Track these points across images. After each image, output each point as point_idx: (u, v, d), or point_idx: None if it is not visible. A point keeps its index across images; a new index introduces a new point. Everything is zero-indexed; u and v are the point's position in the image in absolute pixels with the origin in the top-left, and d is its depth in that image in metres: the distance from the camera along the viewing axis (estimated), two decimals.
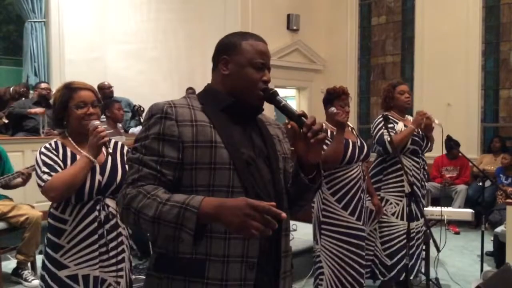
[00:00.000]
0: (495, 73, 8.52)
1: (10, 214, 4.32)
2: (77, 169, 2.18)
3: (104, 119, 5.58)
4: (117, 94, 7.18)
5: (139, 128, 6.51)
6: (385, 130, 3.62)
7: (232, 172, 1.45)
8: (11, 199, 4.52)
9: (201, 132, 1.46)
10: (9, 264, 4.73)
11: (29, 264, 4.51)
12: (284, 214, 1.25)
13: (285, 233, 1.56)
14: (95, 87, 6.97)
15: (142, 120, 5.02)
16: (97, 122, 2.26)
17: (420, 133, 3.88)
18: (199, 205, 1.30)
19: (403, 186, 3.73)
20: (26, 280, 4.40)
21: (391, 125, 3.76)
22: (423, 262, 3.93)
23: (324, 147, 3.21)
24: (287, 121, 1.57)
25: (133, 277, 2.67)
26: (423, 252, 3.92)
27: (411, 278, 3.82)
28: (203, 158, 1.44)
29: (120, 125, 5.60)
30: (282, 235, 1.52)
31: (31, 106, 6.17)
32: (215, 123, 1.49)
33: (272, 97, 1.54)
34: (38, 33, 7.78)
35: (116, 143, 2.44)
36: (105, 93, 6.99)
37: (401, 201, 3.73)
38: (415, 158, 3.80)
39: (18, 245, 4.42)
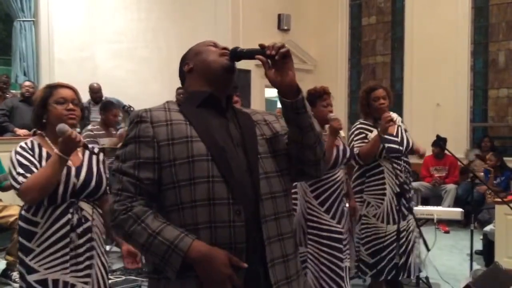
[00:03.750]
0: (484, 73, 8.60)
1: None
2: (49, 168, 2.12)
3: (98, 119, 5.56)
4: (107, 93, 7.14)
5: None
6: (355, 142, 3.63)
7: (211, 162, 1.47)
8: (0, 200, 4.48)
9: (176, 130, 1.51)
10: None
11: (18, 265, 4.47)
12: (244, 265, 1.42)
13: (273, 218, 1.52)
14: (85, 87, 6.98)
15: None
16: (66, 127, 2.12)
17: (400, 137, 3.78)
18: (187, 250, 1.40)
19: (384, 189, 3.69)
20: (15, 281, 4.36)
21: (363, 135, 3.70)
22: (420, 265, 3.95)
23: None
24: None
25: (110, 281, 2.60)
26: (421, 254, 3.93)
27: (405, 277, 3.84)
28: (181, 153, 1.47)
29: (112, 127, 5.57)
30: (263, 222, 1.49)
31: (18, 104, 6.21)
32: (190, 119, 1.53)
33: (235, 52, 1.60)
34: (27, 32, 7.71)
35: (93, 148, 2.39)
36: (93, 96, 6.97)
37: (382, 203, 3.71)
38: (396, 161, 3.72)
39: (7, 246, 4.39)
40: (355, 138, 3.67)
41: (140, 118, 1.52)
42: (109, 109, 5.29)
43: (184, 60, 1.70)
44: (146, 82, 8.39)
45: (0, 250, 4.56)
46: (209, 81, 1.60)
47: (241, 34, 8.67)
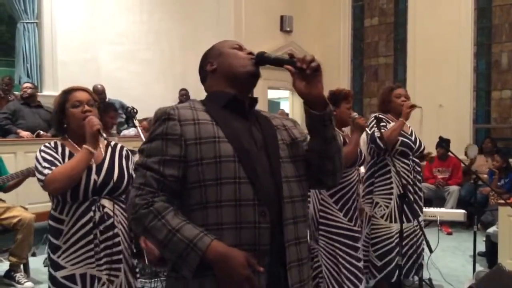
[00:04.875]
0: (487, 75, 8.58)
1: (3, 216, 4.30)
2: (77, 160, 2.23)
3: None
4: (110, 95, 7.15)
5: (131, 130, 6.49)
6: (376, 129, 3.67)
7: (237, 164, 1.48)
8: (3, 201, 4.49)
9: (204, 129, 1.52)
10: (2, 267, 4.70)
11: (21, 266, 4.49)
12: (260, 268, 1.42)
13: (292, 221, 1.54)
14: (89, 88, 6.98)
15: (135, 123, 4.99)
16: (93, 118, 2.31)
17: (413, 137, 3.91)
18: (205, 249, 1.40)
19: (391, 188, 3.75)
20: (18, 282, 4.37)
21: (383, 124, 3.80)
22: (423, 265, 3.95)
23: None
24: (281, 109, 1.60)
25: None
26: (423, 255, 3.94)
27: (408, 278, 3.84)
28: (208, 153, 1.48)
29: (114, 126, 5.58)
30: (284, 225, 1.51)
31: (20, 108, 6.20)
32: (217, 120, 1.54)
33: (262, 57, 1.61)
34: (30, 34, 7.74)
35: (115, 145, 2.49)
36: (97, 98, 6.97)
37: (389, 203, 3.74)
38: (405, 160, 3.80)
39: (11, 247, 4.39)
40: (375, 125, 3.71)
41: (168, 115, 1.53)
42: (107, 111, 5.30)
43: (206, 58, 1.69)
44: (148, 84, 8.41)
45: (4, 251, 4.56)
46: (233, 84, 1.62)
47: (243, 35, 8.67)
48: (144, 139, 4.71)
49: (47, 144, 2.36)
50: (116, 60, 8.22)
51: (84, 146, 2.26)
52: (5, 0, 7.83)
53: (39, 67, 7.84)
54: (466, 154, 7.43)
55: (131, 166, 2.46)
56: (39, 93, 6.74)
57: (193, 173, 1.49)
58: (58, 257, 2.26)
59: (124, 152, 2.47)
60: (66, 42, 7.82)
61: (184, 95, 8.07)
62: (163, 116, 1.53)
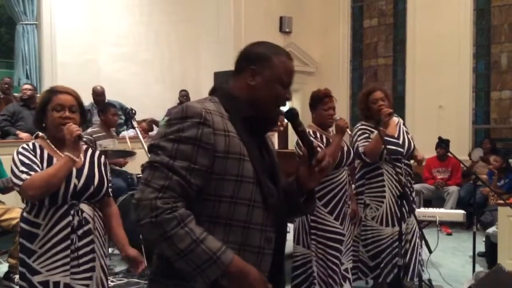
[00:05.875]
0: (486, 75, 8.58)
1: (2, 218, 4.29)
2: (57, 168, 2.16)
3: (98, 121, 5.59)
4: (109, 96, 7.15)
5: (130, 131, 6.49)
6: (359, 142, 3.67)
7: (255, 186, 1.47)
8: (2, 203, 4.49)
9: (232, 144, 1.45)
10: (1, 268, 4.69)
11: (19, 265, 4.47)
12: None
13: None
14: (88, 89, 6.99)
15: (134, 124, 4.99)
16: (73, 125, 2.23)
17: (401, 139, 3.80)
18: (228, 263, 1.37)
19: (383, 192, 3.71)
20: (18, 284, 4.36)
21: (366, 135, 3.74)
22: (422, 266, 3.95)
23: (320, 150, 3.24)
24: (298, 143, 1.65)
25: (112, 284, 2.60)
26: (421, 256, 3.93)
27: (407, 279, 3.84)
28: (232, 169, 1.44)
29: (113, 128, 5.59)
30: (283, 252, 1.57)
31: (20, 110, 6.20)
32: (241, 135, 1.48)
33: (291, 117, 1.58)
34: (29, 35, 7.74)
35: (94, 151, 2.43)
36: (96, 99, 6.98)
37: (381, 206, 3.72)
38: (397, 163, 3.73)
39: (10, 249, 4.39)
40: (358, 138, 3.71)
41: (204, 120, 1.42)
42: (107, 109, 5.32)
43: (253, 62, 1.55)
44: (148, 85, 8.41)
45: (3, 252, 4.56)
46: (258, 107, 1.54)
47: (243, 36, 8.68)
48: (142, 141, 4.75)
49: (25, 146, 2.27)
50: (116, 62, 8.22)
51: (66, 153, 2.20)
52: (5, 1, 7.83)
53: (39, 69, 7.84)
54: (470, 156, 7.45)
55: (109, 174, 2.41)
56: (38, 95, 6.73)
57: (213, 185, 1.44)
58: (34, 261, 2.19)
59: (102, 160, 2.42)
60: (66, 44, 7.81)
61: (184, 96, 8.07)
62: (196, 118, 1.42)
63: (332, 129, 3.51)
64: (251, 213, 1.45)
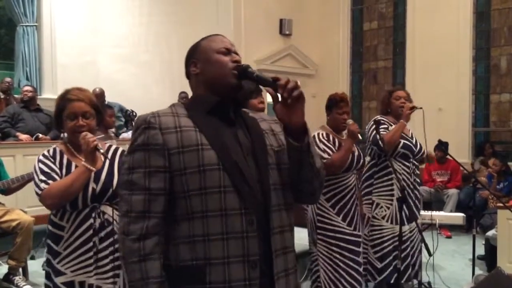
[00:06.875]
0: (486, 78, 8.60)
1: (2, 219, 4.29)
2: (74, 178, 2.20)
3: None
4: (109, 98, 7.15)
5: (130, 133, 6.50)
6: (380, 130, 3.69)
7: (222, 172, 1.44)
8: (3, 204, 4.49)
9: (186, 137, 1.46)
10: (1, 270, 4.69)
11: (20, 269, 4.47)
12: None
13: (279, 230, 1.51)
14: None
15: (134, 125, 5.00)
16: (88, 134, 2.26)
17: (414, 140, 3.93)
18: None
19: (393, 190, 3.76)
20: (17, 285, 4.36)
21: (385, 126, 3.82)
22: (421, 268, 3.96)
23: (330, 153, 3.31)
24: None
25: None
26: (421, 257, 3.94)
27: (404, 281, 3.84)
28: (191, 162, 1.44)
29: (113, 129, 5.59)
30: (272, 233, 1.48)
31: (20, 111, 6.20)
32: (200, 126, 1.48)
33: (245, 71, 1.53)
34: (30, 37, 7.74)
35: (116, 149, 2.44)
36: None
37: (391, 204, 3.75)
38: (405, 163, 3.82)
39: (10, 250, 4.38)
40: (375, 127, 3.71)
41: (148, 124, 1.46)
42: (104, 111, 5.31)
43: (190, 57, 1.62)
44: (148, 86, 8.41)
45: (2, 254, 4.56)
46: (215, 91, 1.55)
47: (243, 38, 8.69)
48: None
49: (45, 153, 2.33)
50: (116, 63, 8.22)
51: (82, 163, 2.23)
52: (5, 3, 7.84)
53: (39, 70, 7.84)
54: (472, 166, 7.47)
55: None
56: (38, 96, 6.74)
57: (177, 183, 1.44)
58: (58, 263, 2.25)
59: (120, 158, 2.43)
60: (66, 45, 7.82)
61: (184, 98, 8.06)
62: (143, 125, 1.47)
63: (345, 132, 3.54)
64: (224, 199, 1.42)
